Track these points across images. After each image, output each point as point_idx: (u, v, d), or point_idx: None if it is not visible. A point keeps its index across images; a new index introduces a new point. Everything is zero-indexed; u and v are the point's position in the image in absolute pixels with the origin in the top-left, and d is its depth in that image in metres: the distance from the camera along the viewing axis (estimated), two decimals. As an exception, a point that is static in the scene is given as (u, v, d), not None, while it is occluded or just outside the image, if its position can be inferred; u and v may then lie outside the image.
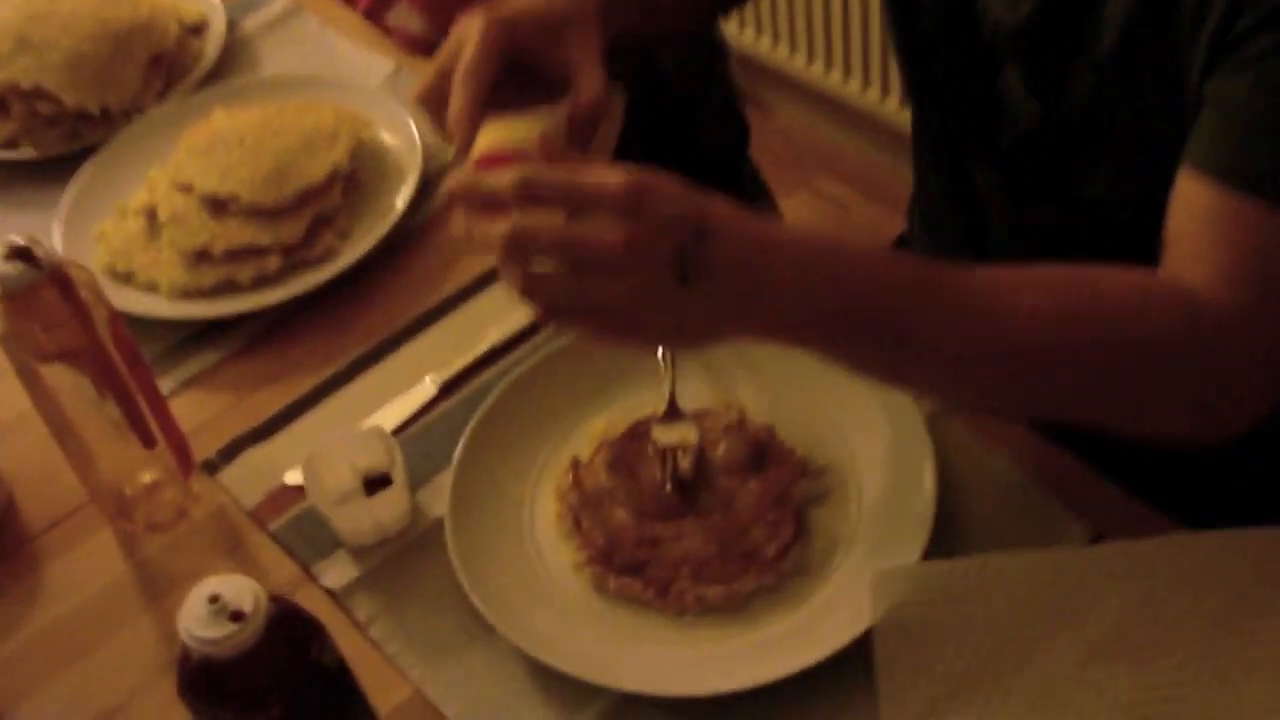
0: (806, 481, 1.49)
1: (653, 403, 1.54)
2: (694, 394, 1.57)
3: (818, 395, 1.55)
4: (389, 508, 1.38)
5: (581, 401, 1.61)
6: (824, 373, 1.43)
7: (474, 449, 1.53)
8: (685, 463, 1.49)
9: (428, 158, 1.68)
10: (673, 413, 1.53)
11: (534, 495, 1.54)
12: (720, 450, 1.52)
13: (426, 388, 1.55)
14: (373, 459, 1.39)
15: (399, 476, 1.37)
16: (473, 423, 1.54)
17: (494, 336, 1.57)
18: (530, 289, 0.95)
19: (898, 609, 1.33)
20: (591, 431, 1.58)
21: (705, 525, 1.45)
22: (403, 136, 1.73)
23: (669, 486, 1.48)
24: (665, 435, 1.51)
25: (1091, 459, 1.42)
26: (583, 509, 1.49)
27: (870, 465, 1.50)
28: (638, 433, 1.55)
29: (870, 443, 1.51)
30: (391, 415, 1.53)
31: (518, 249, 0.94)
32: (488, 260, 1.43)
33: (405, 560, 1.38)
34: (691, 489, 1.48)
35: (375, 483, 1.39)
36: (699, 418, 1.55)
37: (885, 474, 1.48)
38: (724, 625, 1.41)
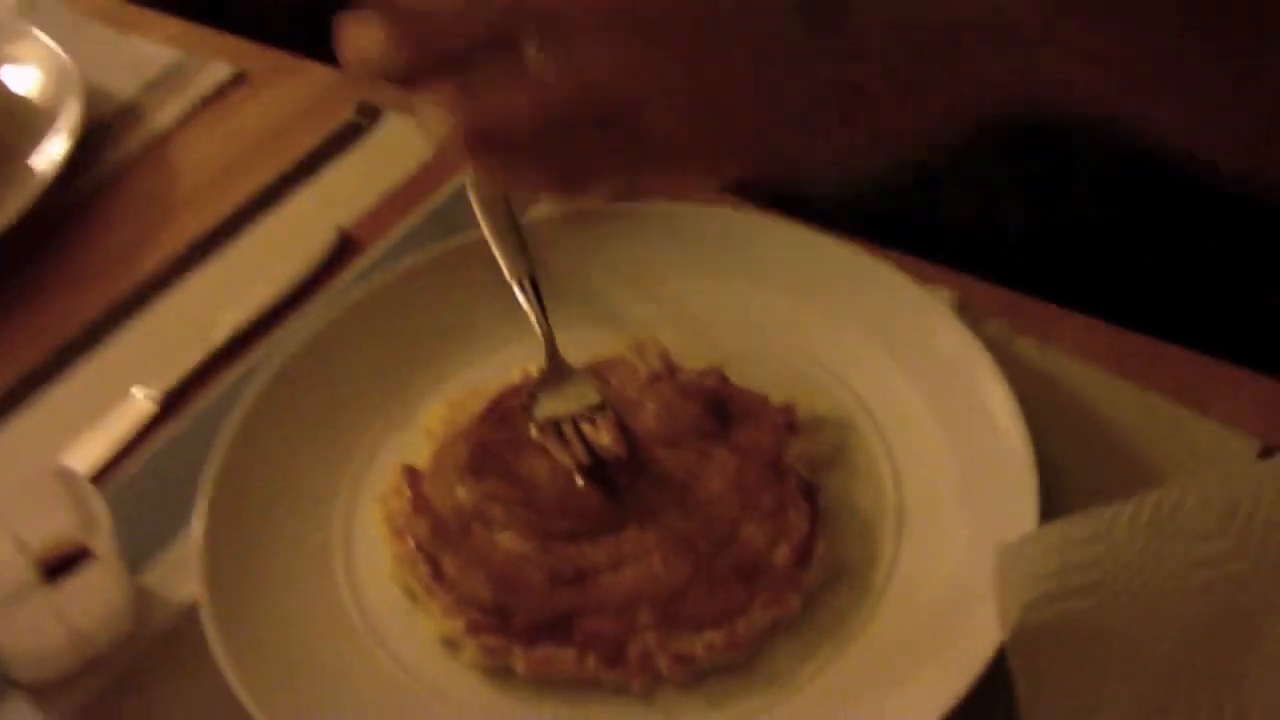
0: (803, 440, 0.90)
1: (514, 364, 0.97)
2: (581, 343, 0.96)
3: (764, 319, 0.98)
4: (90, 602, 0.87)
5: (395, 382, 0.98)
6: (758, 284, 0.98)
7: (230, 485, 0.89)
8: (605, 437, 0.87)
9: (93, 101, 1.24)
10: (556, 369, 0.92)
11: (346, 538, 0.89)
12: (650, 414, 0.91)
13: (138, 405, 1.05)
14: (56, 525, 0.88)
15: (104, 548, 0.87)
16: (222, 447, 0.90)
17: (230, 323, 1.08)
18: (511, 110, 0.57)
19: (1044, 604, 0.75)
20: (428, 424, 0.95)
21: (661, 535, 0.84)
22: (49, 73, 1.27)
23: (581, 481, 0.86)
24: (552, 404, 0.89)
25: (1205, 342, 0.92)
26: (440, 547, 0.85)
27: (888, 403, 0.92)
28: (504, 411, 0.93)
29: (876, 371, 0.95)
30: (86, 452, 1.01)
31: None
32: (210, 213, 1.17)
33: (132, 688, 0.86)
34: (621, 481, 0.86)
35: (63, 564, 0.86)
36: (599, 372, 0.94)
37: (919, 411, 0.92)
38: (731, 698, 0.79)
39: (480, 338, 1.01)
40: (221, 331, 1.07)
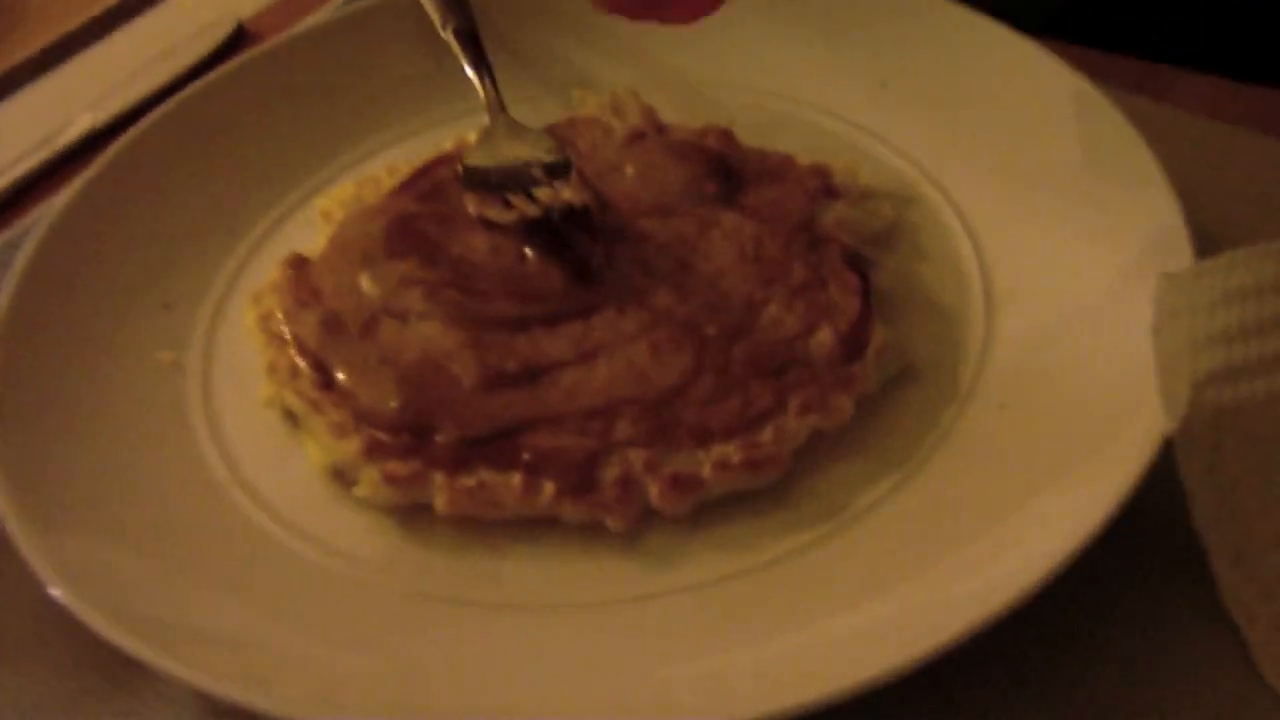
0: (844, 205, 0.63)
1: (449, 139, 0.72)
2: (541, 115, 0.70)
3: (784, 76, 0.73)
4: None
5: (293, 165, 0.71)
6: (775, 31, 0.73)
7: (42, 289, 0.65)
8: (569, 191, 0.61)
9: None
10: (503, 126, 0.67)
11: (206, 355, 0.63)
12: (629, 178, 0.65)
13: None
14: None
15: None
16: (35, 242, 0.67)
17: (90, 121, 0.84)
18: None
19: (1219, 382, 0.48)
20: (325, 205, 0.69)
21: (648, 319, 0.57)
22: None
23: (533, 253, 0.60)
24: (495, 158, 0.63)
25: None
26: (331, 349, 0.58)
27: (964, 171, 0.66)
28: (433, 182, 0.66)
29: (944, 133, 0.69)
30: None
31: None
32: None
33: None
34: (593, 255, 0.60)
35: None
36: (560, 134, 0.68)
37: (1011, 177, 0.65)
38: (753, 540, 0.53)
39: (405, 113, 0.75)
40: (77, 129, 0.81)
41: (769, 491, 0.55)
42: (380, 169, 0.71)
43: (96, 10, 0.96)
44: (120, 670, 0.53)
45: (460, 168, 0.66)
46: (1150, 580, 0.53)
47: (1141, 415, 0.52)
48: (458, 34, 0.73)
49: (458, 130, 0.72)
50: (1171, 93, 0.74)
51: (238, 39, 0.89)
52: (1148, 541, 0.53)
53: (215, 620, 0.53)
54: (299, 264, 0.64)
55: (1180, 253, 0.57)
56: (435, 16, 0.74)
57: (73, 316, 0.64)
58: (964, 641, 0.47)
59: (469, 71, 0.71)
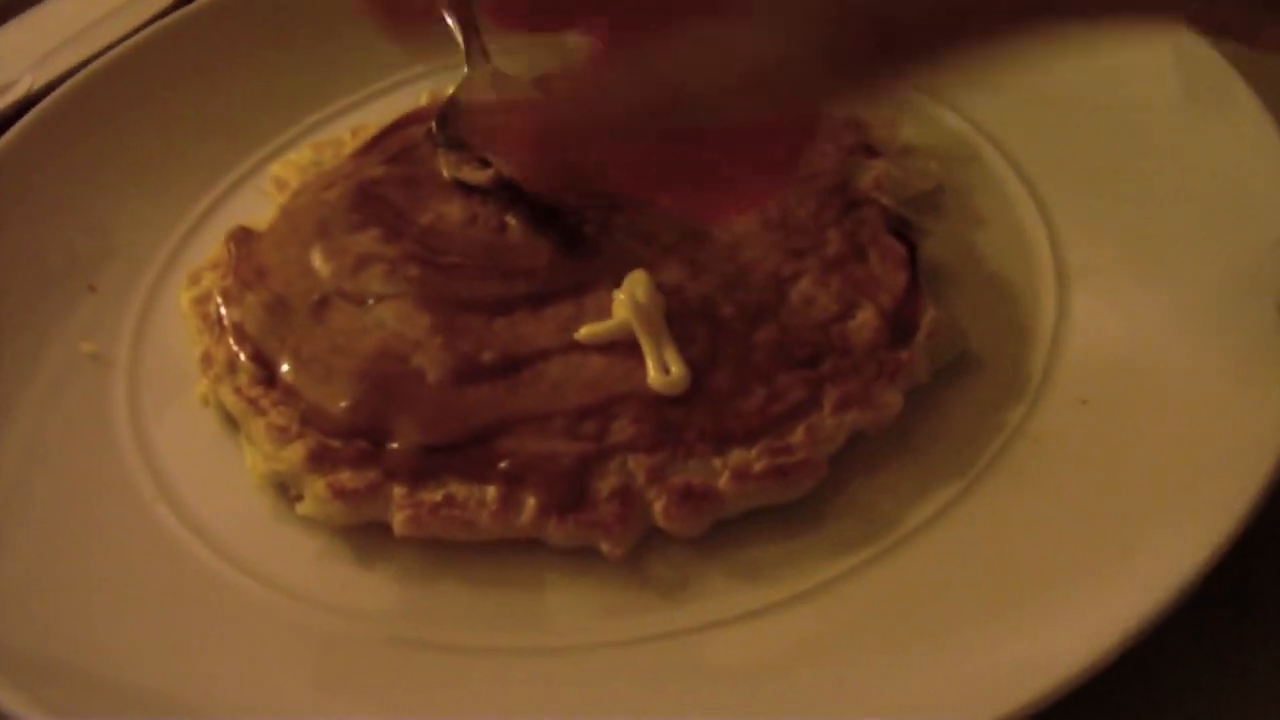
0: (885, 163, 0.53)
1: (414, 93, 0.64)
2: (529, 67, 0.60)
3: None
4: None
5: (244, 127, 0.62)
6: None
7: None
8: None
9: None
10: (484, 77, 0.57)
11: (135, 344, 0.54)
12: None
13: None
14: None
15: None
16: None
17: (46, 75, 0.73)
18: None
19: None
20: (279, 171, 0.59)
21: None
22: None
23: (515, 220, 0.51)
24: (474, 116, 0.54)
25: None
26: (275, 339, 0.49)
27: (1027, 127, 0.57)
28: (401, 142, 0.57)
29: (999, 82, 0.57)
30: None
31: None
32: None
33: None
34: (584, 223, 0.50)
35: None
36: (555, 83, 0.58)
37: (1085, 132, 0.55)
38: (777, 566, 0.42)
39: (376, 68, 0.65)
40: (14, 93, 0.72)
41: (799, 507, 0.45)
42: (344, 131, 0.61)
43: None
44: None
45: (433, 124, 0.56)
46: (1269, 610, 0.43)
47: (1257, 414, 0.42)
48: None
49: (434, 86, 0.62)
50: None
51: (191, -2, 0.79)
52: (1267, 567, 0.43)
53: (130, 669, 0.44)
54: (244, 238, 0.55)
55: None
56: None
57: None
58: (1042, 709, 0.37)
59: (448, 17, 0.61)
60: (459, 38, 0.61)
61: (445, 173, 0.55)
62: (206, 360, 0.51)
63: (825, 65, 0.36)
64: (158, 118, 0.63)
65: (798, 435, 0.45)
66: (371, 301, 0.50)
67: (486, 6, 0.40)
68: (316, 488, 0.46)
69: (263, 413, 0.49)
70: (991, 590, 0.42)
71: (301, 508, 0.46)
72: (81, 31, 0.78)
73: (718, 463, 0.45)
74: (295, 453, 0.47)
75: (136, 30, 0.76)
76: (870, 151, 0.55)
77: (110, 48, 0.74)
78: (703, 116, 0.37)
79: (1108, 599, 0.40)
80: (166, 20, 0.66)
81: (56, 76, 0.74)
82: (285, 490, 0.48)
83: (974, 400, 0.48)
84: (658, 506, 0.44)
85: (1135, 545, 0.41)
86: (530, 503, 0.45)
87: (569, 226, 0.52)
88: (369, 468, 0.46)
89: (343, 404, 0.47)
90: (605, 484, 0.45)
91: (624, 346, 0.47)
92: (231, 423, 0.51)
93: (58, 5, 0.85)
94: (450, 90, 0.59)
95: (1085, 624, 0.39)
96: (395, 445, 0.46)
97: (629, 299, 0.47)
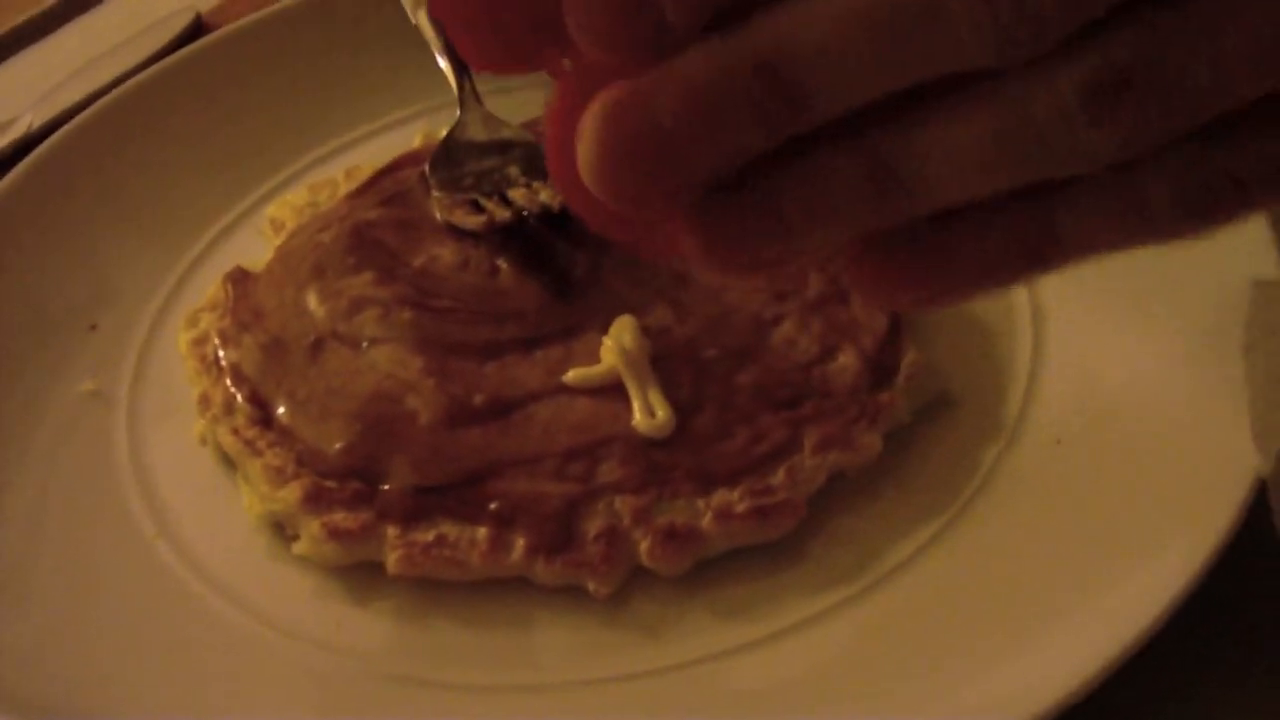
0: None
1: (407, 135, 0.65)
2: (521, 105, 0.61)
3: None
4: None
5: (241, 168, 0.63)
6: None
7: None
8: (548, 192, 0.53)
9: None
10: (476, 120, 0.58)
11: (134, 383, 0.55)
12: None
13: None
14: None
15: None
16: None
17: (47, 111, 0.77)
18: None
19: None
20: (275, 212, 0.61)
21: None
22: None
23: (506, 265, 0.52)
24: (467, 159, 0.55)
25: None
26: (272, 380, 0.50)
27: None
28: (395, 185, 0.58)
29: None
30: None
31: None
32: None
33: None
34: (575, 266, 0.52)
35: None
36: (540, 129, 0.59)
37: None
38: (759, 605, 0.44)
39: (369, 110, 0.67)
40: (14, 131, 0.74)
41: (780, 546, 0.46)
42: (339, 172, 0.62)
43: (50, 1, 0.89)
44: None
45: (426, 168, 0.57)
46: (1239, 648, 0.44)
47: (1228, 453, 0.43)
48: (430, 20, 0.65)
49: (428, 127, 0.64)
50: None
51: (196, 32, 0.80)
52: (1233, 603, 0.44)
53: (129, 705, 0.45)
54: (241, 279, 0.56)
55: (1265, 257, 0.48)
56: (405, 2, 0.66)
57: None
58: (1020, 741, 0.38)
59: (440, 60, 0.63)
60: (451, 80, 0.62)
61: (438, 216, 0.56)
62: (204, 401, 0.52)
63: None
64: (155, 159, 0.64)
65: (779, 476, 0.46)
66: (366, 344, 0.52)
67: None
68: (312, 528, 0.47)
69: (259, 454, 0.50)
70: (969, 627, 0.43)
71: (297, 547, 0.48)
72: (81, 69, 0.80)
73: (701, 503, 0.46)
74: (291, 493, 0.48)
75: (135, 69, 0.77)
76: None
77: (110, 86, 0.75)
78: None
79: (1082, 635, 0.41)
80: (162, 64, 0.68)
81: (57, 115, 0.75)
82: (282, 529, 0.49)
83: (952, 440, 0.49)
84: (643, 546, 0.45)
85: (1108, 583, 0.42)
86: (519, 543, 0.46)
87: (559, 270, 0.53)
88: (363, 508, 0.47)
89: (337, 445, 0.49)
90: (592, 524, 0.46)
91: (611, 390, 0.49)
92: (229, 461, 0.52)
93: (57, 42, 0.86)
94: (443, 132, 0.61)
95: (1060, 659, 0.40)
96: (388, 486, 0.47)
97: (616, 345, 0.48)
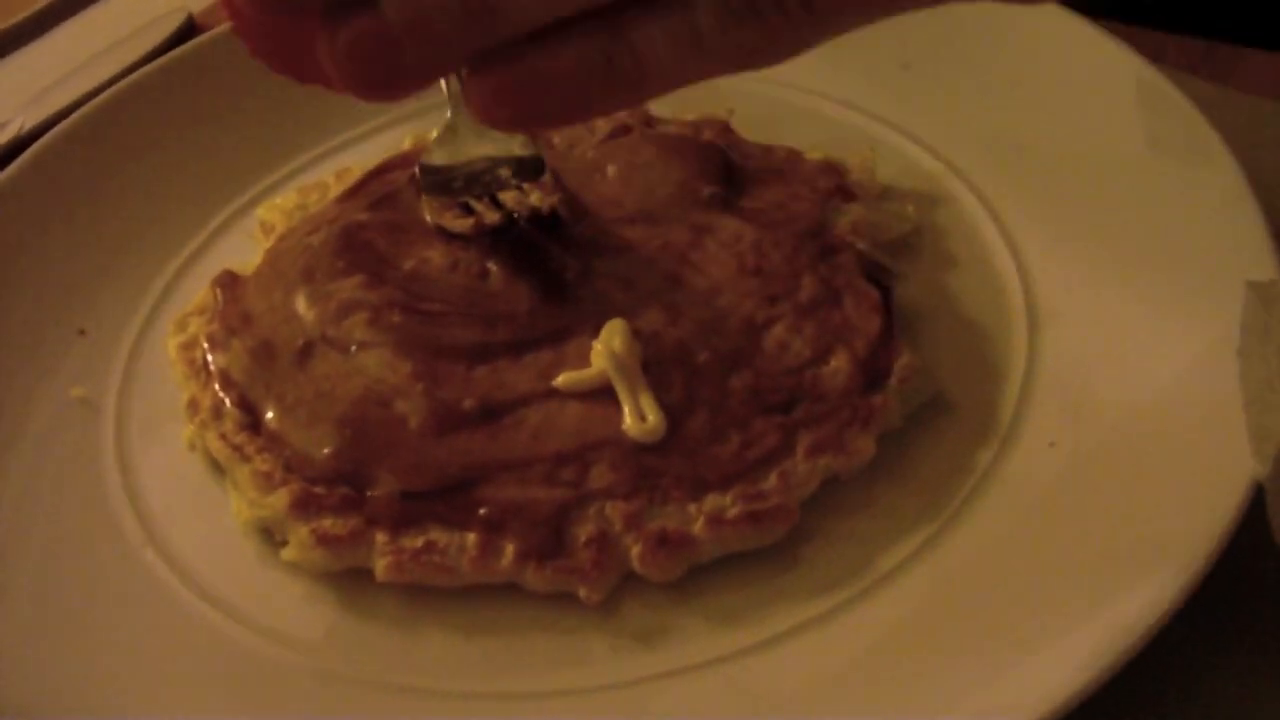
0: (860, 207, 0.54)
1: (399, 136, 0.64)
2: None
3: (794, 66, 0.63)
4: None
5: (232, 170, 0.63)
6: None
7: None
8: (539, 194, 0.52)
9: None
10: (467, 119, 0.57)
11: (122, 390, 0.54)
12: (611, 179, 0.56)
13: None
14: None
15: None
16: None
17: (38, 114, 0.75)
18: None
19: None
20: (264, 214, 0.60)
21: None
22: None
23: (497, 267, 0.51)
24: (456, 156, 0.54)
25: None
26: (261, 385, 0.50)
27: (1000, 168, 0.57)
28: (385, 187, 0.57)
29: (973, 124, 0.60)
30: None
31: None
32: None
33: None
34: (566, 269, 0.51)
35: None
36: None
37: (1054, 173, 0.56)
38: (753, 611, 0.44)
39: (360, 112, 0.66)
40: (5, 134, 0.73)
41: (773, 551, 0.46)
42: (329, 175, 0.62)
43: (40, 3, 0.88)
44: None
45: (417, 169, 0.57)
46: (1238, 653, 0.43)
47: (1223, 456, 0.43)
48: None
49: (417, 129, 0.63)
50: (1233, 74, 0.65)
51: (188, 33, 0.80)
52: (1232, 604, 0.44)
53: (117, 712, 0.45)
54: (231, 283, 0.56)
55: (1262, 260, 0.48)
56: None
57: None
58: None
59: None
60: (442, 83, 0.62)
61: (428, 218, 0.56)
62: (193, 406, 0.52)
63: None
64: (145, 162, 0.64)
65: (771, 481, 0.46)
66: (355, 348, 0.51)
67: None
68: (300, 534, 0.47)
69: (247, 459, 0.49)
70: (965, 631, 0.43)
71: (286, 554, 0.47)
72: (73, 71, 0.79)
73: (693, 508, 0.46)
74: (279, 499, 0.48)
75: (127, 70, 0.77)
76: (845, 194, 0.56)
77: (101, 88, 0.75)
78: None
79: (1079, 640, 0.41)
80: (149, 67, 0.67)
81: (47, 117, 0.75)
82: (270, 535, 0.49)
83: (945, 443, 0.49)
84: (634, 552, 0.45)
85: (1105, 587, 0.42)
86: (509, 549, 0.45)
87: (550, 273, 0.53)
88: (351, 514, 0.47)
89: (326, 451, 0.48)
90: (583, 530, 0.46)
91: (602, 394, 0.48)
92: (217, 466, 0.51)
93: (49, 44, 0.86)
94: (433, 134, 0.60)
95: (1057, 665, 0.40)
96: (377, 492, 0.47)
97: (606, 350, 0.48)
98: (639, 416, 0.47)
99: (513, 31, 0.32)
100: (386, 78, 0.33)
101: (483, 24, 0.31)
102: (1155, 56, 0.59)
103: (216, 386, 0.52)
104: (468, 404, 0.49)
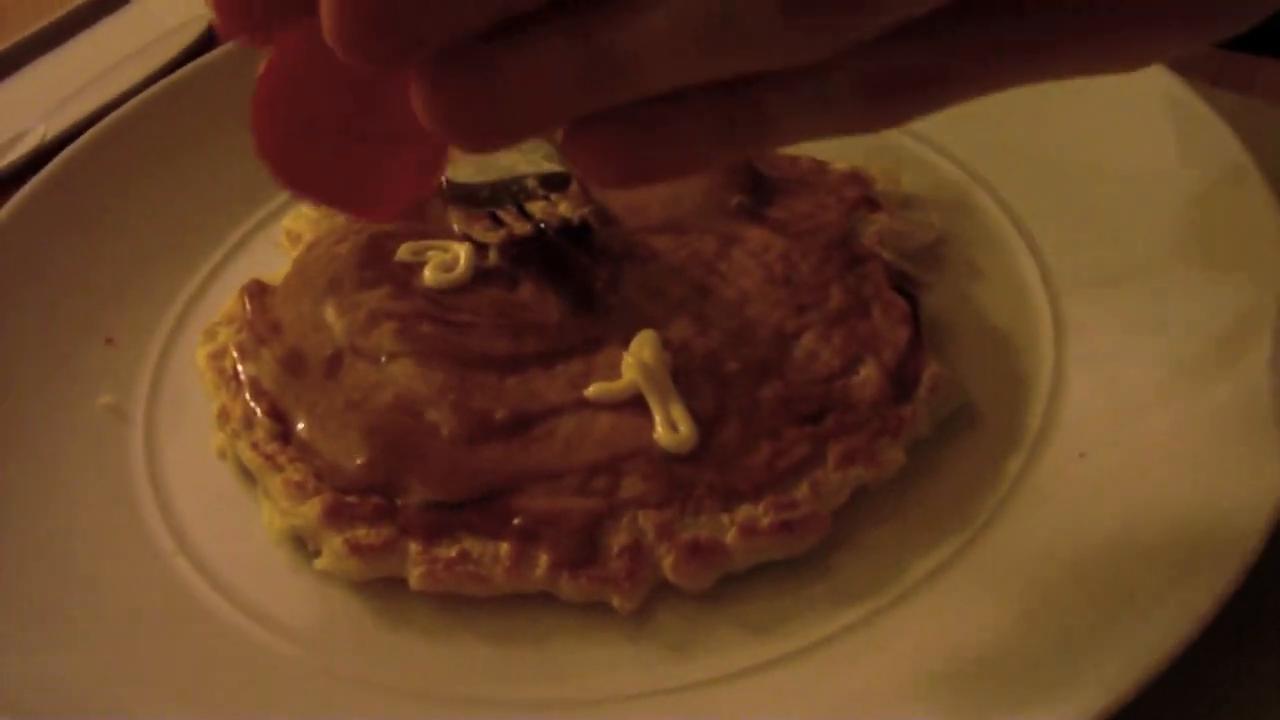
0: (886, 216, 0.55)
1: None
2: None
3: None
4: None
5: (232, 180, 0.63)
6: None
7: None
8: (567, 205, 0.53)
9: None
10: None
11: (151, 398, 0.55)
12: (640, 189, 0.55)
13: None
14: None
15: None
16: None
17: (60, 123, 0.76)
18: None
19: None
20: (291, 224, 0.61)
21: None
22: None
23: (521, 276, 0.52)
24: (483, 171, 0.55)
25: None
26: (291, 395, 0.50)
27: (1024, 177, 0.58)
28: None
29: (997, 135, 0.60)
30: None
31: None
32: None
33: None
34: (595, 279, 0.51)
35: None
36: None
37: (1078, 185, 0.56)
38: (784, 620, 0.44)
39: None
40: (27, 143, 0.74)
41: (805, 561, 0.46)
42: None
43: (60, 12, 0.88)
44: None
45: (444, 180, 0.57)
46: (1269, 662, 0.43)
47: (1255, 465, 0.43)
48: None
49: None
50: (1255, 84, 0.65)
51: (209, 42, 0.80)
52: (1261, 615, 0.44)
53: (151, 720, 0.45)
54: (259, 292, 0.56)
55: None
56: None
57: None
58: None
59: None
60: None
61: (456, 228, 0.56)
62: (223, 415, 0.52)
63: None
64: (170, 171, 0.64)
65: (802, 490, 0.46)
66: (384, 359, 0.51)
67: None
68: (334, 544, 0.47)
69: (279, 469, 0.50)
70: (995, 642, 0.43)
71: (319, 563, 0.47)
72: (93, 80, 0.80)
73: (725, 518, 0.46)
74: (312, 509, 0.48)
75: (147, 80, 0.77)
76: (872, 205, 0.56)
77: (122, 97, 0.75)
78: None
79: (1109, 653, 0.41)
80: (175, 75, 0.68)
81: (70, 126, 0.75)
82: (301, 544, 0.49)
83: (974, 453, 0.49)
84: (667, 562, 0.45)
85: (1135, 599, 0.42)
86: (543, 559, 0.46)
87: (579, 283, 0.53)
88: (385, 524, 0.47)
89: (358, 461, 0.48)
90: (616, 540, 0.46)
91: (633, 404, 0.48)
92: (248, 475, 0.52)
93: (69, 53, 0.86)
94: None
95: (1087, 678, 0.40)
96: (410, 501, 0.47)
97: (636, 361, 0.48)
98: (670, 427, 0.47)
99: (638, 97, 0.30)
100: (490, 135, 0.30)
101: (608, 90, 0.29)
102: (1175, 67, 0.60)
103: (247, 396, 0.52)
104: (499, 414, 0.49)
